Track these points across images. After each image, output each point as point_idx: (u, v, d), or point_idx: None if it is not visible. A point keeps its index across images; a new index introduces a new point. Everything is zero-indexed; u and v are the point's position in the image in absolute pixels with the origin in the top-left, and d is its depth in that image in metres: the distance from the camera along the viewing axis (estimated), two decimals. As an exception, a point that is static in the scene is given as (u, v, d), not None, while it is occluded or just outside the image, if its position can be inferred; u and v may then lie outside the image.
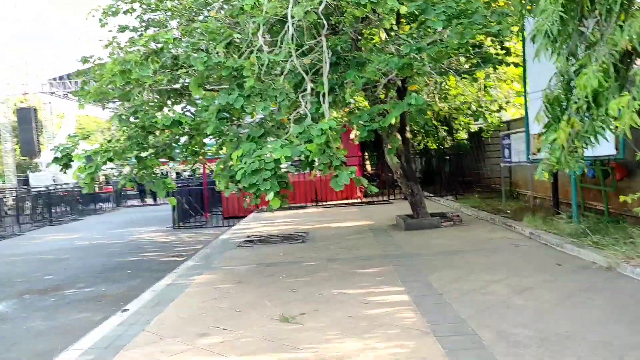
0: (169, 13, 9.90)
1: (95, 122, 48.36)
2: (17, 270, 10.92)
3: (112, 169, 23.29)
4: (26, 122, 33.11)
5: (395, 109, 7.50)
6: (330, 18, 8.45)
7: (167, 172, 32.73)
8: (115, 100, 9.18)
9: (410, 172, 11.33)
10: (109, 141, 8.35)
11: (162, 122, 7.22)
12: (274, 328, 5.12)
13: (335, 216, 14.40)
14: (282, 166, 6.45)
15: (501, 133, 13.73)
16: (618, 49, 4.28)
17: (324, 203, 17.50)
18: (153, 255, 11.82)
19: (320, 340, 4.70)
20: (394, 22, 9.15)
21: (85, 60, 9.49)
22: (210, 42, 7.45)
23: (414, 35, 8.76)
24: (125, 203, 28.33)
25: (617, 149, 7.80)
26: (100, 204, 26.90)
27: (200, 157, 11.14)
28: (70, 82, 31.69)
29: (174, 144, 9.71)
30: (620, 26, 4.31)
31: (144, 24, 9.90)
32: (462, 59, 10.48)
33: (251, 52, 7.28)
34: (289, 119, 7.11)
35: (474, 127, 17.86)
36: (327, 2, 7.00)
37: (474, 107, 15.86)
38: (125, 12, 9.12)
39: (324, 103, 6.78)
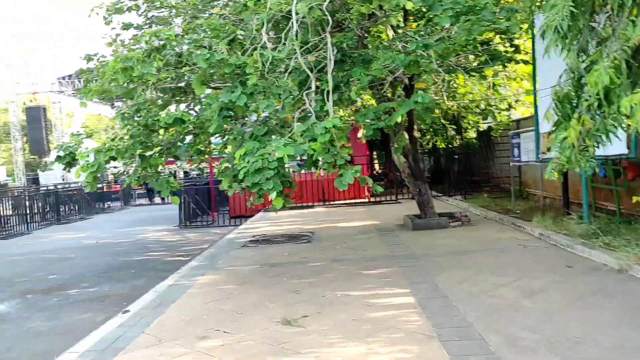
0: (173, 11, 9.81)
1: (104, 120, 48.57)
2: (22, 270, 10.88)
3: (114, 167, 23.30)
4: (35, 121, 33.28)
5: (402, 107, 7.37)
6: (336, 15, 8.33)
7: (174, 170, 32.75)
8: (120, 98, 9.13)
9: (417, 171, 11.18)
10: (112, 140, 8.28)
11: (165, 121, 7.13)
12: (275, 331, 5.01)
13: (342, 216, 14.28)
14: (286, 165, 6.35)
15: (510, 132, 13.53)
16: (630, 44, 4.13)
17: (331, 202, 17.38)
18: (159, 254, 11.75)
19: (322, 344, 4.58)
20: (401, 19, 9.03)
21: (89, 58, 9.43)
22: (214, 39, 7.35)
23: (421, 32, 8.61)
24: (133, 202, 28.33)
25: (629, 147, 7.61)
26: (109, 202, 26.93)
27: (206, 156, 11.08)
28: (80, 81, 31.78)
29: (179, 143, 9.66)
30: (633, 21, 4.16)
31: (148, 22, 9.82)
32: (471, 57, 10.31)
33: (255, 49, 7.18)
34: (293, 117, 7.00)
35: (483, 126, 17.65)
36: (331, -2, 6.89)
37: (482, 106, 15.65)
38: (129, 10, 9.04)
39: (328, 101, 6.66)
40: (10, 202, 18.63)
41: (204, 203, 17.82)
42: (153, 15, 9.83)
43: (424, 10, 8.38)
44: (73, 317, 7.17)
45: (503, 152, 15.83)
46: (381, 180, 22.05)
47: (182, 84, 8.76)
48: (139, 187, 23.14)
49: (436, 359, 4.09)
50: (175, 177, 31.29)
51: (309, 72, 7.19)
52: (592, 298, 5.36)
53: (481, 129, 17.91)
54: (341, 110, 13.85)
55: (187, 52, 7.18)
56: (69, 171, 8.92)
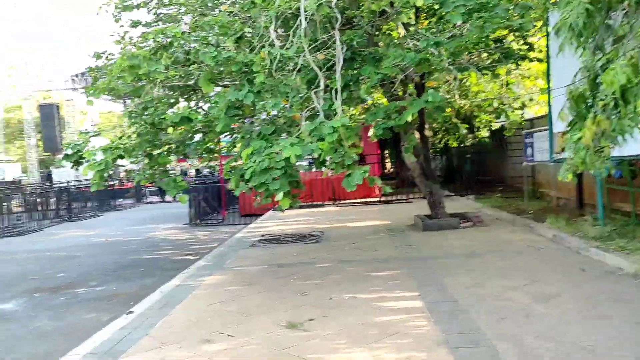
0: (182, 8, 9.74)
1: (115, 118, 48.84)
2: (31, 267, 10.89)
3: (121, 166, 23.35)
4: (49, 118, 33.47)
5: (412, 106, 7.22)
6: (346, 12, 8.20)
7: (186, 169, 32.81)
8: (128, 96, 9.08)
9: (428, 171, 11.03)
10: (120, 138, 8.23)
11: (171, 119, 7.04)
12: (280, 335, 4.91)
13: (353, 215, 14.15)
14: (296, 164, 6.25)
15: (524, 131, 13.32)
16: (648, 42, 3.97)
17: (342, 202, 17.26)
18: (167, 253, 11.71)
19: (327, 349, 4.47)
20: (412, 16, 8.87)
21: (98, 56, 9.39)
22: (221, 37, 7.26)
23: (433, 29, 8.46)
24: (144, 199, 28.39)
25: (646, 148, 7.41)
26: (120, 200, 27.01)
27: (215, 155, 11.01)
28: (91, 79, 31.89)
29: (187, 141, 9.59)
30: (651, 18, 4.00)
31: (157, 19, 9.76)
32: (484, 55, 10.14)
33: (262, 46, 7.08)
34: (301, 116, 6.89)
35: (495, 125, 17.42)
36: (341, -6, 6.76)
37: (495, 105, 15.42)
38: (137, 7, 8.98)
39: (336, 99, 6.53)
40: (21, 199, 18.71)
41: (214, 201, 17.77)
42: (162, 13, 9.77)
43: (436, 7, 8.22)
44: (79, 316, 7.13)
45: (516, 152, 15.61)
46: (392, 179, 21.90)
47: (191, 82, 8.68)
48: (150, 185, 23.22)
49: (444, 367, 3.97)
50: (186, 175, 31.41)
51: (318, 71, 7.07)
52: (606, 304, 5.20)
53: (494, 128, 17.68)
54: (352, 109, 13.74)
55: (194, 50, 7.09)
56: (77, 169, 8.89)
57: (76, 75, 33.48)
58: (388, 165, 28.03)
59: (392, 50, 7.34)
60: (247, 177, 6.06)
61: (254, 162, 6.02)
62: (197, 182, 21.70)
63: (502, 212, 12.01)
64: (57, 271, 10.32)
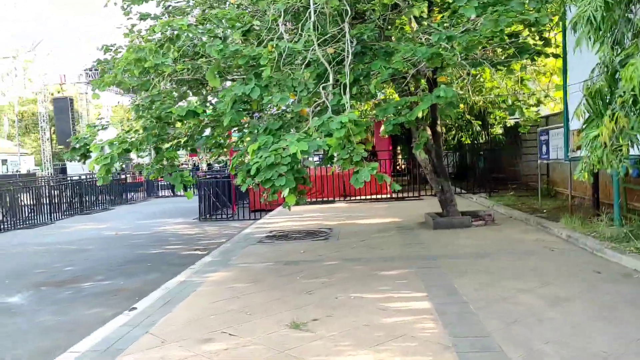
0: (191, 1, 9.61)
1: (124, 112, 49.13)
2: (39, 261, 10.88)
3: (129, 160, 23.34)
4: (63, 111, 33.74)
5: (423, 101, 7.03)
6: (357, 5, 8.03)
7: (197, 163, 32.84)
8: (137, 89, 8.98)
9: (440, 168, 10.83)
10: (127, 132, 8.14)
11: (177, 113, 6.93)
12: (282, 335, 4.78)
13: (363, 212, 13.99)
14: (306, 159, 6.12)
15: (539, 128, 13.06)
16: (672, 35, 3.77)
17: (353, 198, 17.10)
18: (175, 248, 11.64)
19: (329, 351, 4.33)
20: (425, 10, 8.67)
21: (106, 49, 9.29)
22: (229, 30, 7.13)
23: (446, 24, 8.26)
24: (155, 193, 28.43)
25: (665, 147, 7.17)
26: (132, 193, 27.06)
27: (225, 149, 10.90)
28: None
29: (196, 136, 9.50)
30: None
31: (166, 12, 9.64)
32: (498, 50, 9.90)
33: (271, 40, 6.94)
34: (309, 112, 6.75)
35: (510, 122, 17.14)
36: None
37: (510, 101, 15.14)
38: (146, 0, 8.85)
39: (345, 94, 6.37)
40: (33, 192, 18.77)
41: (225, 196, 17.69)
42: (170, 5, 9.65)
43: (449, 0, 8.02)
44: (83, 311, 7.06)
45: (530, 149, 15.34)
46: (404, 176, 21.70)
47: (199, 76, 8.57)
48: (161, 179, 23.21)
49: (450, 373, 3.82)
50: (198, 169, 31.43)
51: (327, 65, 6.92)
52: (622, 308, 5.00)
53: (508, 125, 17.40)
54: (364, 104, 13.56)
55: (200, 43, 6.96)
56: (84, 163, 8.83)
57: (90, 69, 33.61)
58: (400, 161, 27.79)
59: (403, 45, 7.16)
60: (252, 172, 5.93)
61: (260, 157, 5.89)
62: (208, 176, 21.66)
63: (515, 210, 11.78)
64: (65, 264, 10.30)
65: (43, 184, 22.64)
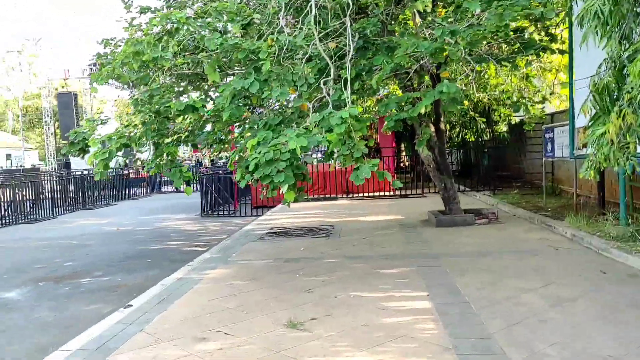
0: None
1: (124, 106, 49.15)
2: (40, 256, 10.81)
3: (129, 156, 23.29)
4: (67, 106, 33.72)
5: (426, 97, 6.91)
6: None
7: (200, 159, 32.77)
8: (135, 83, 8.89)
9: (443, 165, 10.70)
10: (126, 126, 8.04)
11: (176, 107, 6.82)
12: (279, 335, 4.68)
13: (365, 209, 13.88)
14: (309, 155, 6.01)
15: (544, 126, 12.91)
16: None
17: (355, 195, 16.99)
18: (176, 244, 11.55)
19: (327, 352, 4.23)
20: (429, 4, 8.54)
21: (107, 42, 9.20)
22: (229, 23, 7.01)
23: (450, 18, 8.12)
24: (158, 189, 28.37)
25: (674, 145, 7.02)
26: (135, 189, 27.01)
27: (226, 145, 10.80)
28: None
29: (197, 131, 9.38)
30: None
31: (167, 5, 9.54)
32: (503, 46, 9.76)
33: (271, 33, 6.82)
34: (309, 107, 6.64)
35: (514, 119, 16.98)
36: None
37: (514, 98, 14.98)
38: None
39: (346, 89, 6.26)
40: (35, 187, 18.73)
41: (227, 192, 17.60)
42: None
43: (453, -6, 7.90)
44: (81, 307, 6.98)
45: (535, 147, 15.19)
46: (408, 173, 21.56)
47: (200, 70, 8.46)
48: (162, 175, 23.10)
49: (450, 376, 3.71)
50: (201, 165, 31.35)
51: (328, 60, 6.80)
52: (628, 310, 4.88)
53: (513, 123, 17.25)
54: (367, 100, 13.44)
55: (199, 36, 6.85)
56: (82, 158, 8.75)
57: (94, 64, 33.54)
58: (404, 158, 27.64)
59: (406, 39, 7.03)
60: (251, 168, 5.83)
61: (259, 153, 5.79)
62: (211, 172, 21.57)
63: (519, 209, 11.64)
64: (65, 260, 10.22)
65: (45, 178, 22.59)
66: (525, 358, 3.91)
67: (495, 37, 7.62)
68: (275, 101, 8.15)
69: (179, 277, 7.14)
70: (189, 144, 9.56)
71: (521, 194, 14.11)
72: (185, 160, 33.24)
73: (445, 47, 6.70)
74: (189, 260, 8.58)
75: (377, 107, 11.25)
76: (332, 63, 6.85)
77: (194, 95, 9.25)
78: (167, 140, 8.50)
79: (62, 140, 37.19)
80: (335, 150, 5.93)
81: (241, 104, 7.26)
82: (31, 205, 18.00)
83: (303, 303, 5.61)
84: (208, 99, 9.01)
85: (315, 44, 6.74)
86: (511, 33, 7.95)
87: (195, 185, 21.89)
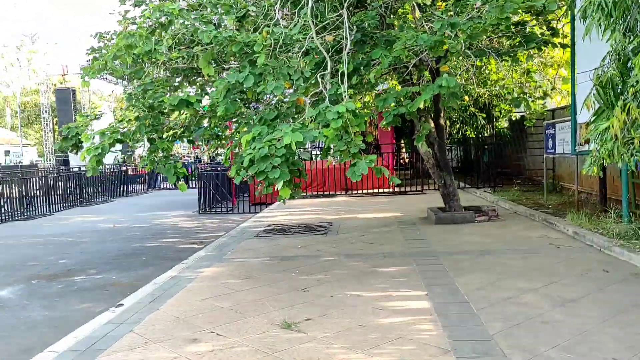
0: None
1: (117, 101, 48.96)
2: (34, 253, 10.66)
3: (123, 151, 23.06)
4: (65, 102, 33.53)
5: (425, 92, 6.75)
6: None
7: (199, 155, 32.61)
8: (130, 78, 8.74)
9: (443, 161, 10.55)
10: (120, 121, 7.88)
11: (169, 102, 6.67)
12: (272, 336, 4.53)
13: (364, 206, 13.73)
14: (309, 151, 5.87)
15: (545, 122, 12.75)
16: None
17: (355, 192, 16.83)
18: (172, 241, 11.41)
19: (321, 354, 4.08)
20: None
21: (101, 36, 9.03)
22: (224, 16, 6.85)
23: (450, 12, 7.96)
24: (157, 185, 28.19)
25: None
26: (134, 185, 26.85)
27: (223, 141, 10.65)
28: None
29: (193, 127, 9.23)
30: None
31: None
32: (503, 40, 9.58)
33: (267, 26, 6.66)
34: (305, 101, 6.48)
35: (515, 115, 16.81)
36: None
37: (515, 94, 14.80)
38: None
39: (342, 83, 6.10)
40: (31, 183, 18.57)
41: (225, 188, 17.44)
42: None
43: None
44: (73, 306, 6.83)
45: (536, 143, 15.04)
46: (408, 169, 21.40)
47: (195, 65, 8.30)
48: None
49: (448, 381, 3.56)
50: (200, 161, 31.20)
51: (325, 53, 6.64)
52: (632, 311, 4.73)
53: (513, 119, 17.08)
54: (366, 96, 13.25)
55: (192, 29, 6.69)
56: (75, 153, 8.59)
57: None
58: (404, 155, 27.46)
59: (405, 33, 6.86)
60: (245, 164, 5.68)
61: (254, 148, 5.64)
62: (210, 168, 21.40)
63: (519, 206, 11.49)
64: (59, 257, 10.08)
65: (41, 175, 22.42)
66: (526, 361, 3.77)
67: (495, 30, 7.45)
68: (272, 96, 8.00)
69: (173, 275, 6.99)
70: (187, 140, 9.42)
71: (522, 191, 13.96)
72: (184, 156, 33.09)
73: (445, 40, 6.53)
74: (184, 258, 8.44)
75: (375, 102, 11.05)
76: (330, 57, 6.69)
77: (191, 90, 9.09)
78: (163, 136, 8.35)
79: (60, 137, 37.02)
80: (332, 146, 5.78)
81: (237, 99, 7.11)
82: (27, 202, 17.85)
83: (298, 303, 5.46)
84: (204, 94, 8.85)
85: (312, 37, 6.59)
86: (512, 27, 7.78)
87: (193, 181, 21.75)
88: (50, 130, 36.32)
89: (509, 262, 6.77)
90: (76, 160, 31.07)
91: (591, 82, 5.27)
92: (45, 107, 36.19)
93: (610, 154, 4.94)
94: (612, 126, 4.77)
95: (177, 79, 8.77)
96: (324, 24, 6.79)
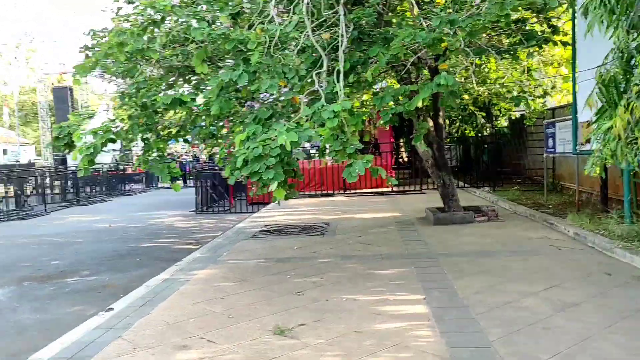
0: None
1: (110, 99, 48.71)
2: (27, 254, 10.52)
3: (115, 150, 22.80)
4: (62, 101, 33.32)
5: (423, 90, 6.59)
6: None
7: (196, 155, 32.44)
8: (124, 76, 8.58)
9: (442, 161, 10.41)
10: (113, 120, 7.73)
11: (162, 101, 6.52)
12: (265, 342, 4.39)
13: (362, 206, 13.59)
14: (309, 150, 5.73)
15: (545, 121, 12.61)
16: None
17: (353, 191, 16.69)
18: (168, 241, 11.28)
19: (314, 362, 3.95)
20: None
21: (94, 34, 8.87)
22: (218, 13, 6.70)
23: (450, 9, 7.81)
24: (154, 185, 28.03)
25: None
26: (131, 184, 26.71)
27: (219, 140, 10.49)
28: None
29: (189, 126, 9.08)
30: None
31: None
32: (503, 38, 9.44)
33: (262, 23, 6.51)
34: (300, 100, 6.33)
35: (515, 114, 16.67)
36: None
37: (515, 92, 14.66)
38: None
39: (338, 82, 5.95)
40: (28, 182, 18.45)
41: (222, 188, 17.29)
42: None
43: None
44: (63, 309, 6.70)
45: (536, 143, 14.90)
46: (407, 169, 21.27)
47: (190, 63, 8.15)
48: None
49: (446, 391, 3.42)
50: (198, 160, 31.04)
51: (321, 51, 6.49)
52: (636, 316, 4.59)
53: (513, 118, 16.94)
54: (364, 94, 13.11)
55: (186, 26, 6.54)
56: (68, 153, 8.44)
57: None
58: (403, 154, 27.33)
59: (403, 30, 6.71)
60: (239, 164, 5.53)
61: (247, 148, 5.49)
62: (207, 168, 21.27)
63: (519, 206, 11.35)
64: (52, 258, 9.94)
65: (37, 174, 22.27)
66: (527, 370, 3.63)
67: (495, 28, 7.32)
68: (268, 94, 7.85)
69: (165, 277, 6.85)
70: (178, 139, 9.27)
71: (522, 191, 13.82)
72: (182, 155, 32.93)
73: (444, 37, 6.38)
74: (179, 259, 8.30)
75: (372, 101, 10.89)
76: (326, 55, 6.54)
77: (186, 88, 8.93)
78: (161, 134, 8.21)
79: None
80: (327, 146, 5.63)
81: (232, 98, 6.96)
82: (23, 201, 17.71)
83: (293, 307, 5.32)
84: (199, 93, 8.70)
85: (308, 35, 6.44)
86: (512, 24, 7.65)
87: (190, 181, 21.62)
88: (48, 129, 36.14)
89: (508, 264, 6.63)
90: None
91: (593, 80, 5.13)
92: (43, 106, 36.02)
93: (613, 154, 4.80)
94: (615, 125, 4.64)
95: (172, 77, 8.61)
96: (320, 21, 6.63)
